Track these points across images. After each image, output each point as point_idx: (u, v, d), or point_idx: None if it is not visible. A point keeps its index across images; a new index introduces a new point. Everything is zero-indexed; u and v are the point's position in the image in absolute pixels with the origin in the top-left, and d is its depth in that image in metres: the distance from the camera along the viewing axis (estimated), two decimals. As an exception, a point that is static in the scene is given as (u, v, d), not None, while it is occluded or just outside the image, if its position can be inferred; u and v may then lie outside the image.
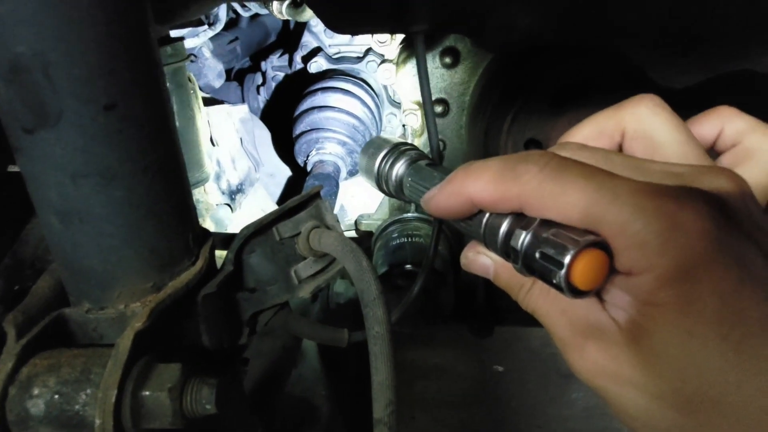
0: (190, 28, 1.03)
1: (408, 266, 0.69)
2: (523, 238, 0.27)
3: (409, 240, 0.73)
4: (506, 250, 0.29)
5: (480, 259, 0.33)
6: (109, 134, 0.31)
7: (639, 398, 0.25)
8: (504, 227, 0.29)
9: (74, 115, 0.30)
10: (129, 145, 0.32)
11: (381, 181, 0.42)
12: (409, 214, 0.81)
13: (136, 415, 0.29)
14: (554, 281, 0.26)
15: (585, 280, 0.25)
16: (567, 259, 0.25)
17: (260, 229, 0.41)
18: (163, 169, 0.35)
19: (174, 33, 0.99)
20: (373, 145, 0.43)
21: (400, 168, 0.40)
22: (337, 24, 0.53)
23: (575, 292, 0.26)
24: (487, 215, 0.30)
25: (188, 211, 0.38)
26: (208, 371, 0.33)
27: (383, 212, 1.08)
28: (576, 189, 0.25)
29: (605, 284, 0.26)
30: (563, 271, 0.25)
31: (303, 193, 0.45)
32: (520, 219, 0.28)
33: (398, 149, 0.41)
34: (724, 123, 0.34)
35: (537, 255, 0.27)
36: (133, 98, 0.32)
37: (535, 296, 0.30)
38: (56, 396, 0.29)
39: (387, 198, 1.09)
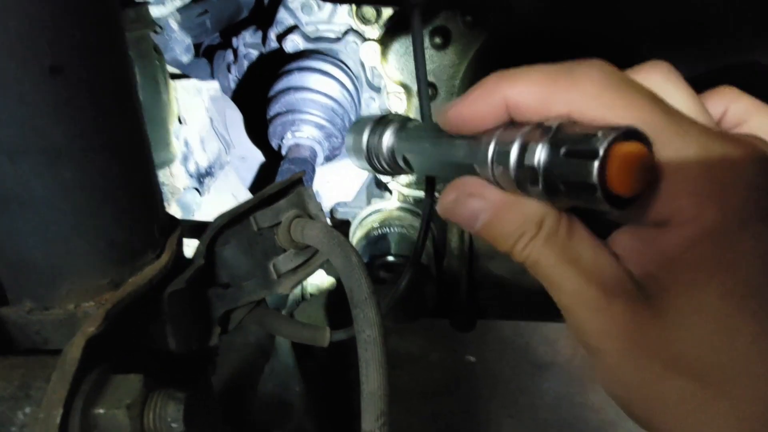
0: (155, -3, 0.95)
1: (391, 257, 0.66)
2: (550, 135, 0.22)
3: (392, 230, 0.70)
4: (520, 165, 0.23)
5: (470, 203, 0.27)
6: (54, 103, 0.26)
7: (651, 364, 0.23)
8: (522, 135, 0.23)
9: (12, 78, 0.25)
10: (79, 117, 0.27)
11: (372, 158, 0.38)
12: (391, 204, 0.77)
13: (87, 438, 0.25)
14: (588, 181, 0.20)
15: (627, 179, 0.20)
16: (604, 147, 0.20)
17: (236, 218, 0.37)
18: (122, 147, 0.30)
19: None
20: (358, 124, 0.39)
21: (389, 137, 0.36)
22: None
23: (613, 200, 0.20)
24: (500, 129, 0.25)
25: (153, 196, 0.33)
26: (175, 380, 0.29)
27: (361, 201, 1.04)
28: (641, 107, 0.22)
29: (648, 194, 0.21)
30: (597, 163, 0.20)
31: (281, 179, 0.41)
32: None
33: (384, 120, 0.37)
34: (729, 103, 0.31)
35: (562, 152, 0.21)
36: (86, 61, 0.27)
37: (540, 245, 0.25)
38: (-13, 416, 0.24)
39: (365, 186, 1.05)
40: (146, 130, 0.33)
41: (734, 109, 0.31)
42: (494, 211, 0.27)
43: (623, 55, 0.60)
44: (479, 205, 0.27)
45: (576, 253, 0.25)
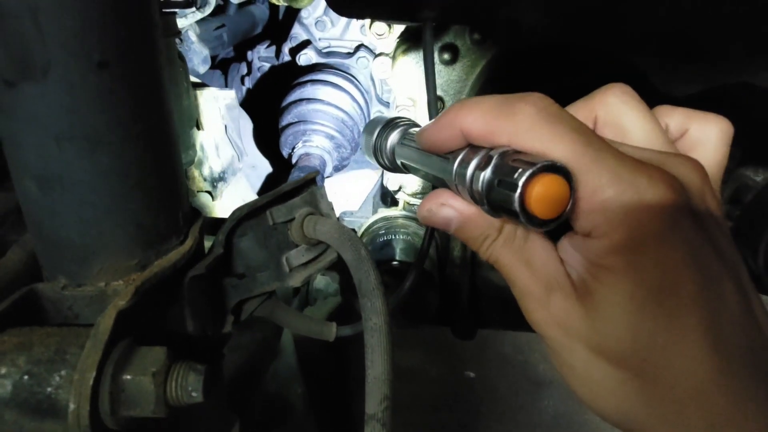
0: (177, 9, 0.99)
1: (395, 263, 0.68)
2: (491, 165, 0.26)
3: (396, 237, 0.72)
4: (472, 188, 0.28)
5: (443, 211, 0.32)
6: (100, 94, 0.29)
7: (581, 349, 0.27)
8: (476, 161, 0.28)
9: (63, 70, 0.27)
10: (120, 108, 0.30)
11: (378, 155, 0.42)
12: (396, 212, 0.80)
13: (116, 401, 0.27)
14: (512, 208, 0.25)
15: (542, 205, 0.24)
16: (522, 181, 0.24)
17: (253, 211, 0.39)
18: (154, 138, 0.32)
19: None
20: (371, 124, 0.43)
21: (391, 142, 0.40)
22: (341, 6, 0.51)
23: (534, 221, 0.25)
24: (465, 151, 0.29)
25: (179, 185, 0.35)
26: (193, 358, 0.31)
27: (367, 210, 1.07)
28: (565, 139, 0.26)
29: (568, 215, 0.26)
30: (517, 193, 0.24)
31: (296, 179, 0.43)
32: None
33: (393, 122, 0.41)
34: (666, 118, 0.33)
35: (496, 182, 0.26)
36: (129, 58, 0.29)
37: (499, 246, 0.30)
38: (26, 377, 0.26)
39: (371, 196, 1.07)
40: (175, 123, 0.35)
41: (672, 123, 0.33)
42: (462, 219, 0.31)
43: (623, 70, 0.63)
44: (450, 213, 0.32)
45: (528, 255, 0.29)
